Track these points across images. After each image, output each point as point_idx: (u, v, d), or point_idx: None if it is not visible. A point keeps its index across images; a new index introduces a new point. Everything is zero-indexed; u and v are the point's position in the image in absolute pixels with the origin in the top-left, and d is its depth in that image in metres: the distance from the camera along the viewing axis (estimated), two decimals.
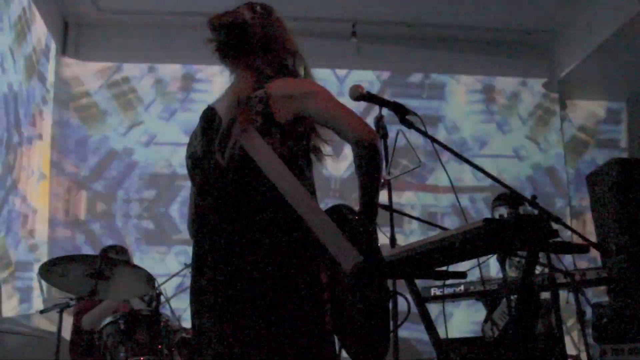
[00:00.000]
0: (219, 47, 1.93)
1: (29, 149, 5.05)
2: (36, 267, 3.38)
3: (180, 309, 3.75)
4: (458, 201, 2.43)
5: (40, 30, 5.28)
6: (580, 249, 2.05)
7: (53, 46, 5.62)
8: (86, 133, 5.71)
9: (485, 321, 3.85)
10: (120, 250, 4.13)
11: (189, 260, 1.96)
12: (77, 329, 3.91)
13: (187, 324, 3.50)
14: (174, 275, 4.05)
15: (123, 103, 5.81)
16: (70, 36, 5.96)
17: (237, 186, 1.76)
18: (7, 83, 4.57)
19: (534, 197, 2.29)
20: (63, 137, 5.67)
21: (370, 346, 1.65)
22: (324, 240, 1.67)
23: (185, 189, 5.29)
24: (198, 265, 1.83)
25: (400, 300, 2.00)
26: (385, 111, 2.38)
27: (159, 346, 3.14)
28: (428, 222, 3.03)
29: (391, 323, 1.78)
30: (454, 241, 1.88)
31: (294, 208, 1.70)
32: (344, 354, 1.82)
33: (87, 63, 5.85)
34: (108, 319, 3.21)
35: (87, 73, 5.82)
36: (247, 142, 1.75)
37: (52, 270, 3.22)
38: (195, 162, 1.91)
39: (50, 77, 5.58)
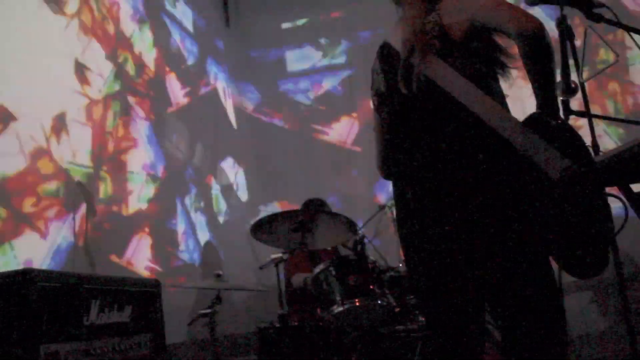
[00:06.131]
0: None
1: None
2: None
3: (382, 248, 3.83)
4: None
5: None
6: None
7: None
8: None
9: None
10: (319, 202, 4.31)
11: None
12: (289, 282, 4.16)
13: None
14: (372, 217, 4.14)
15: None
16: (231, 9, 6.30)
17: (427, 115, 1.75)
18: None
19: None
20: None
21: (588, 257, 1.56)
22: (526, 151, 1.59)
23: None
24: (401, 205, 1.83)
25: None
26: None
27: (371, 287, 3.24)
28: (635, 121, 2.74)
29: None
30: None
31: (489, 124, 1.63)
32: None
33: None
34: (320, 267, 3.35)
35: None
36: (429, 69, 1.72)
37: (260, 229, 3.45)
38: (381, 99, 1.92)
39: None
